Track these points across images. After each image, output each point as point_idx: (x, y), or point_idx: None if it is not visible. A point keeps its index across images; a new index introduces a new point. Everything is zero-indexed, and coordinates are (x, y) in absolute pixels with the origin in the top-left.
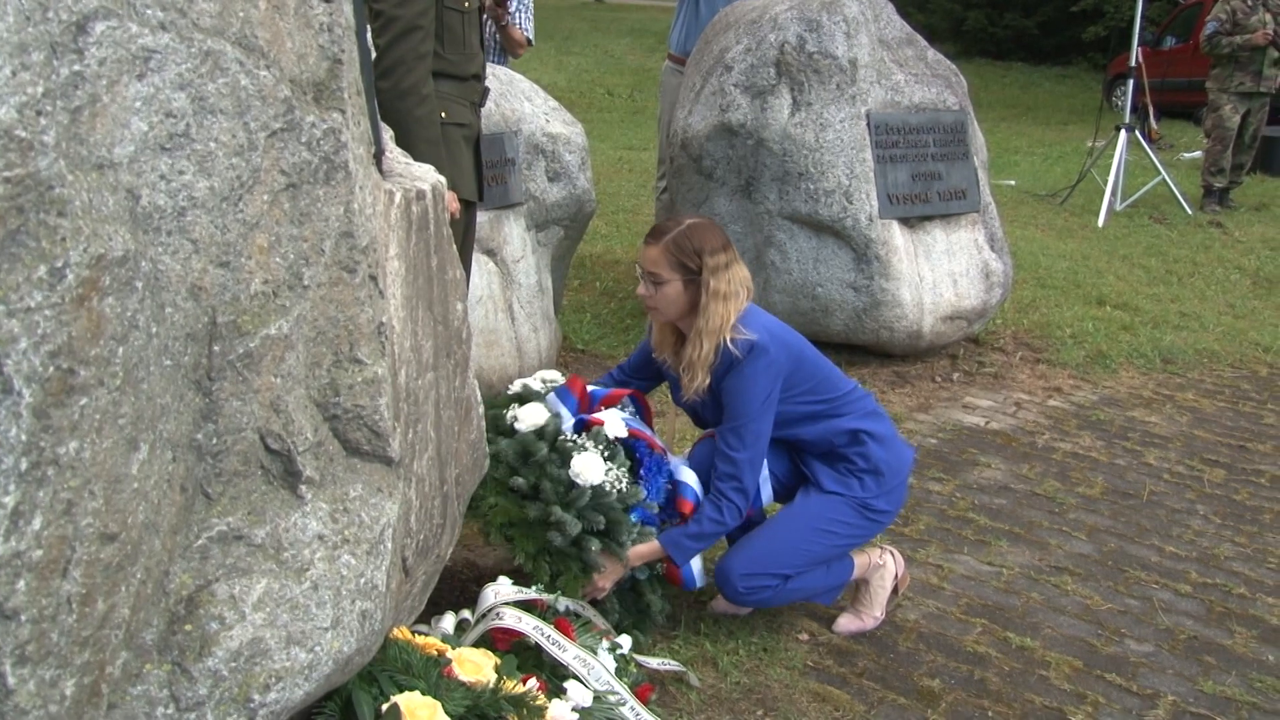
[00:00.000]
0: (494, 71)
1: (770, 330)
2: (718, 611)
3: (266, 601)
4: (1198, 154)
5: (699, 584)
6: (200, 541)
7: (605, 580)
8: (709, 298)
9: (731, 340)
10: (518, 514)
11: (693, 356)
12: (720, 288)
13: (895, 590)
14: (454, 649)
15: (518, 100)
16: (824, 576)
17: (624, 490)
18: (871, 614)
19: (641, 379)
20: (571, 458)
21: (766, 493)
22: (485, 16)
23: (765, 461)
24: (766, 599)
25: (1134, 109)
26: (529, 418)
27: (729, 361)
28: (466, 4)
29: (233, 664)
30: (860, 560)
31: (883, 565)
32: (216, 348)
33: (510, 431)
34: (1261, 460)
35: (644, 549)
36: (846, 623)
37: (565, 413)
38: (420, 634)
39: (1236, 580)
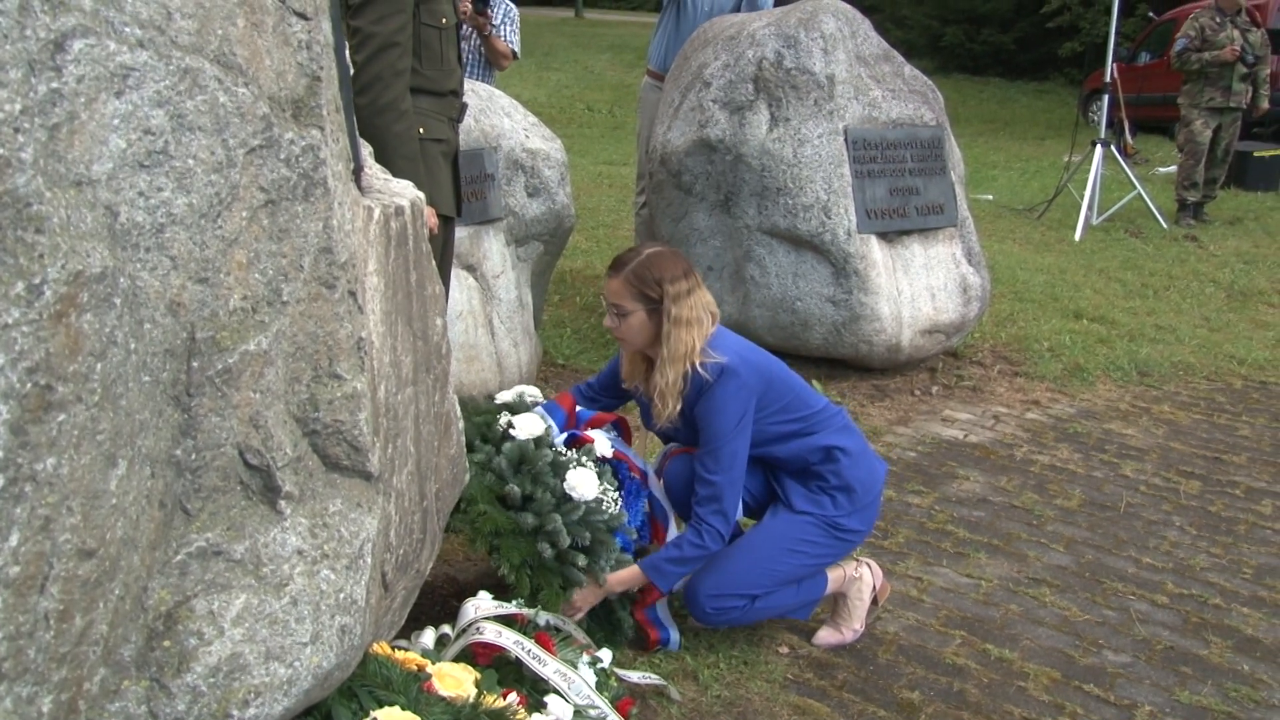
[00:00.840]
0: (474, 87)
1: (740, 353)
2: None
3: (245, 617)
4: (1172, 169)
5: (675, 645)
6: (179, 557)
7: (583, 602)
8: (671, 325)
9: (701, 365)
10: (506, 523)
11: (661, 385)
12: (682, 314)
13: (875, 602)
14: (434, 664)
15: (497, 116)
16: (795, 594)
17: (615, 511)
18: (851, 626)
19: (609, 398)
20: (568, 470)
21: (738, 508)
22: (468, 29)
23: None
24: (735, 619)
25: (1110, 124)
26: (526, 427)
27: (699, 385)
28: (444, 20)
29: (211, 680)
30: (835, 574)
31: (859, 578)
32: (195, 363)
33: (500, 440)
34: (1236, 472)
35: (624, 575)
36: (826, 636)
37: (554, 426)
38: (400, 649)
39: (1212, 591)
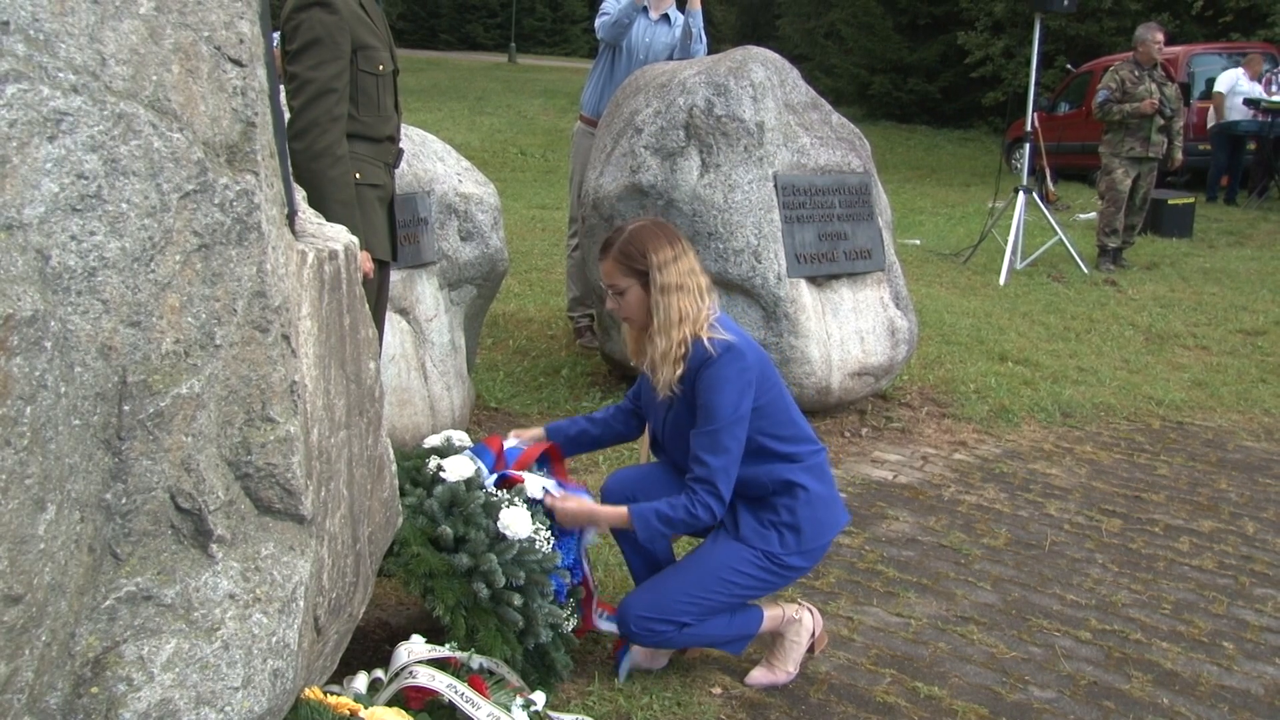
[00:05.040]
0: (408, 133)
1: (746, 339)
2: (637, 664)
3: (176, 662)
4: (1092, 215)
5: (622, 676)
6: (108, 602)
7: (569, 516)
8: (659, 294)
9: (708, 339)
10: (439, 565)
11: (654, 355)
12: (669, 281)
13: (811, 649)
14: (366, 708)
15: (430, 161)
16: (727, 626)
17: (549, 550)
18: (785, 668)
19: (636, 419)
20: (500, 510)
21: (729, 494)
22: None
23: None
24: (663, 641)
25: (1032, 171)
26: (456, 469)
27: (702, 358)
28: (381, 68)
29: None
30: (773, 612)
31: (798, 620)
32: (127, 407)
33: (431, 483)
34: (1155, 510)
35: (611, 511)
36: (759, 675)
37: (484, 468)
38: (332, 694)
39: (1133, 626)
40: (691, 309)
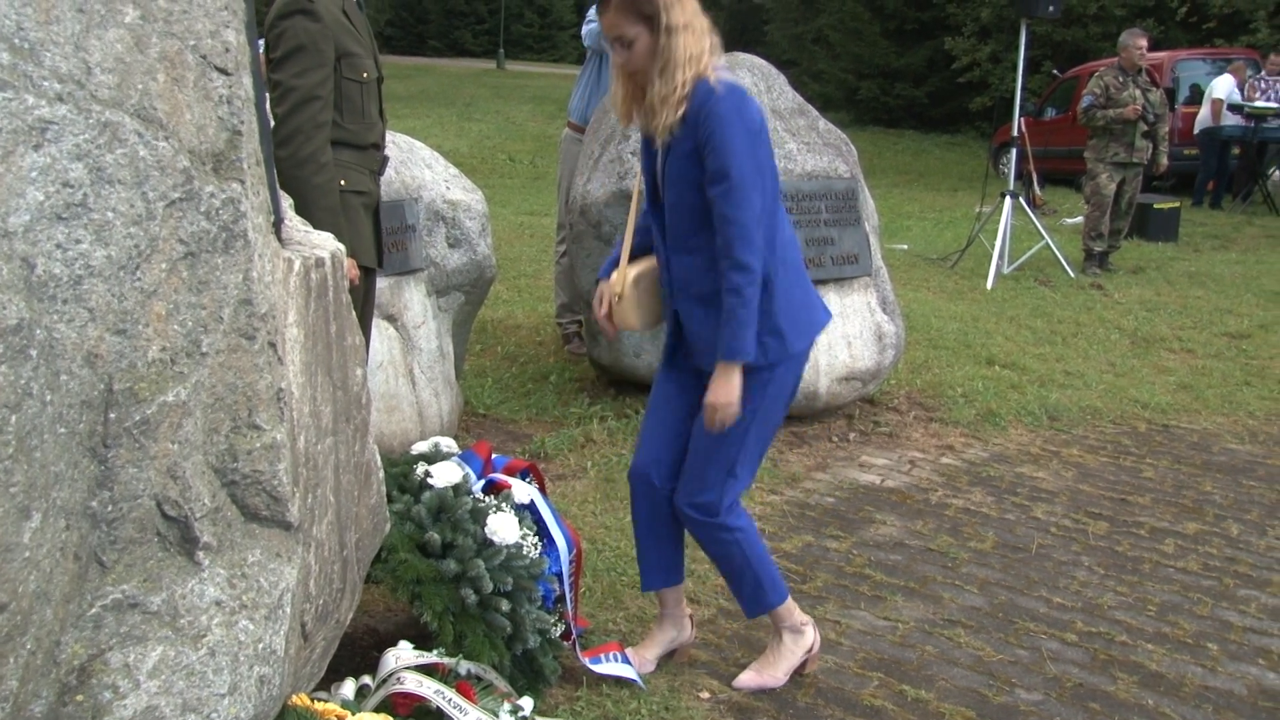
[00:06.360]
0: (394, 140)
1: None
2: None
3: (162, 669)
4: (1079, 219)
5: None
6: (94, 610)
7: (726, 407)
8: (668, 35)
9: (715, 80)
10: (427, 571)
11: (654, 98)
12: (677, 21)
13: (803, 666)
14: (354, 715)
15: (418, 168)
16: (761, 571)
17: (536, 555)
18: (774, 674)
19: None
20: (488, 516)
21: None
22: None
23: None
24: (716, 536)
25: (1018, 176)
26: (444, 475)
27: (707, 93)
28: (365, 75)
29: None
30: (790, 607)
31: (801, 632)
32: (113, 415)
33: (418, 489)
34: (1141, 512)
35: (726, 383)
36: (748, 678)
37: (472, 474)
38: (320, 700)
39: (1119, 629)
40: (697, 48)
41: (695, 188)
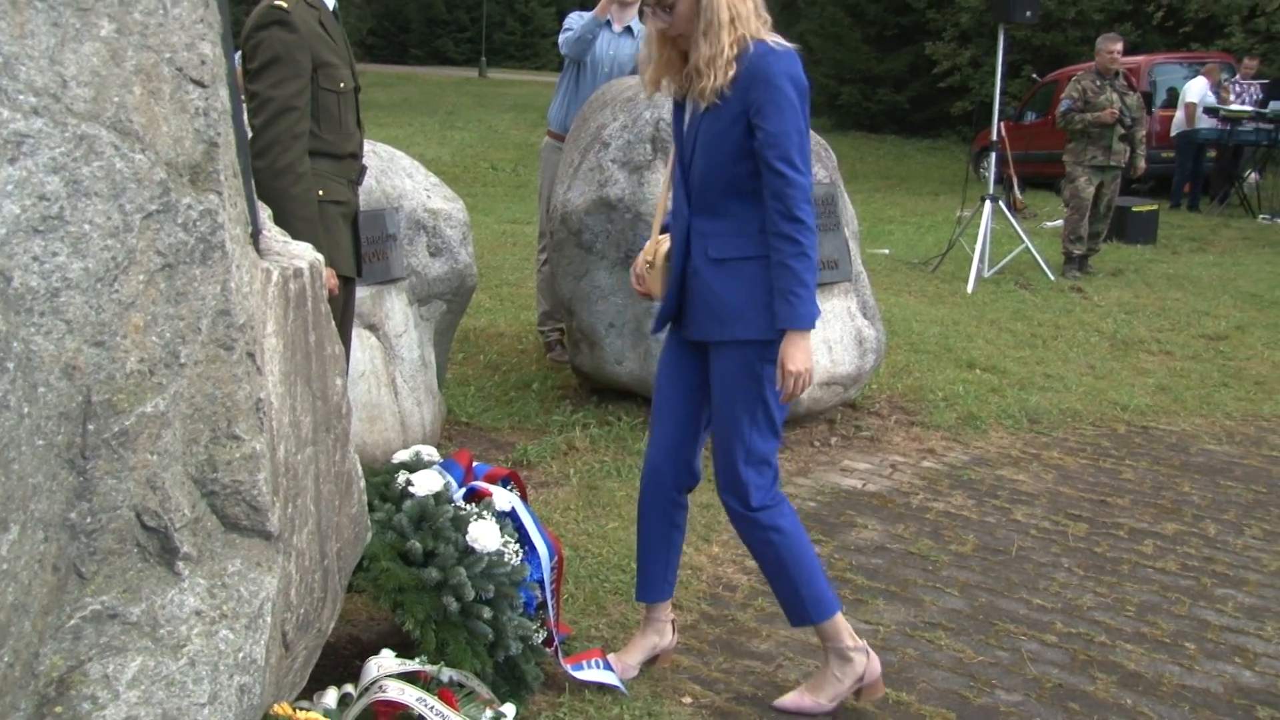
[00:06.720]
0: (375, 149)
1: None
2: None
3: (141, 679)
4: (1059, 223)
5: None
6: (73, 621)
7: (798, 364)
8: None
9: (773, 42)
10: (409, 579)
11: (698, 61)
12: None
13: (858, 694)
14: None
15: (399, 177)
16: (811, 579)
17: (518, 563)
18: (816, 699)
19: None
20: (469, 524)
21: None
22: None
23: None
24: (760, 532)
25: (999, 180)
26: (425, 483)
27: (760, 55)
28: (343, 85)
29: None
30: (840, 623)
31: (849, 660)
32: (91, 426)
33: (400, 498)
34: (1120, 514)
35: (795, 348)
36: (789, 700)
37: (453, 482)
38: (302, 709)
39: (1098, 629)
40: (742, 9)
41: (734, 153)
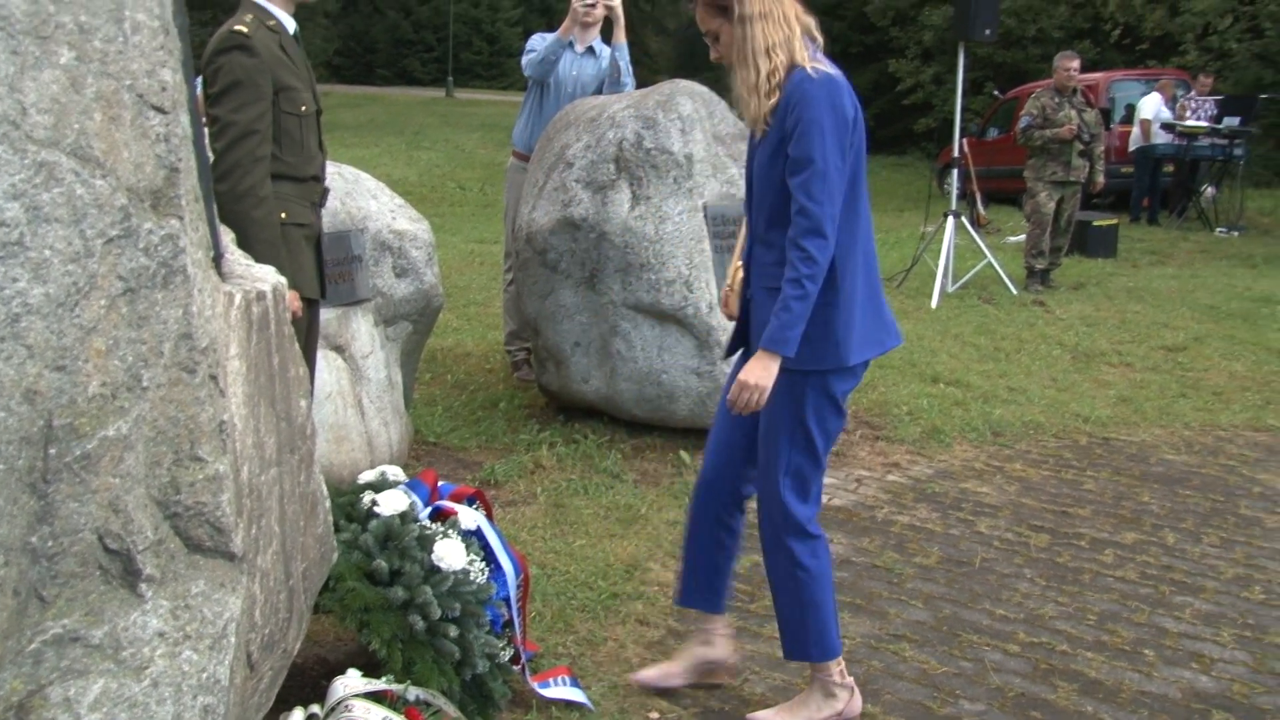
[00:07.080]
0: (340, 171)
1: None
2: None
3: (104, 701)
4: (1021, 238)
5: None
6: (34, 645)
7: (758, 385)
8: (741, 25)
9: (812, 69)
10: (375, 599)
11: (742, 84)
12: (750, 10)
13: None
14: None
15: (364, 198)
16: (821, 612)
17: (484, 581)
18: None
19: None
20: (434, 543)
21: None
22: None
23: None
24: (786, 568)
25: (962, 196)
26: (390, 503)
27: (798, 82)
28: (304, 108)
29: None
30: (836, 665)
31: (833, 695)
32: (53, 450)
33: (365, 518)
34: (1081, 524)
35: (759, 366)
36: (764, 715)
37: (419, 501)
38: None
39: (1059, 638)
40: (779, 36)
41: (777, 182)
